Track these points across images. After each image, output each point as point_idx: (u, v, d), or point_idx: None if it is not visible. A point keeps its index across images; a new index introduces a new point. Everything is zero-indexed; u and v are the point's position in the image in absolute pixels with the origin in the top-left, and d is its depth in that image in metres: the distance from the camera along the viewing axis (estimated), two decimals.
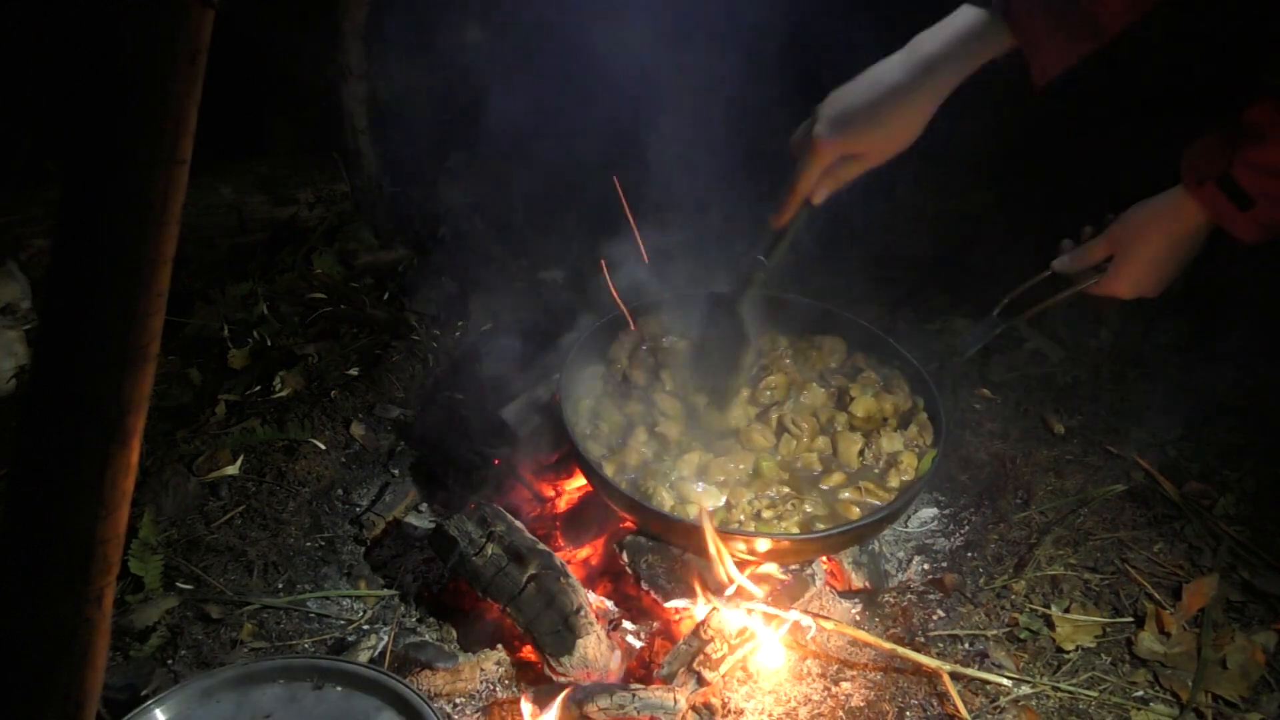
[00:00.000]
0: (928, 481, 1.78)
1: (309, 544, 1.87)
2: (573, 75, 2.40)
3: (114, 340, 0.84)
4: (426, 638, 1.71)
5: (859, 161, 1.58)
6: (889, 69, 1.50)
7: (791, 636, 1.66)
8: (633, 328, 1.90)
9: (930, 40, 1.48)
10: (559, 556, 1.70)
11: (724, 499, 1.72)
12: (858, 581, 1.84)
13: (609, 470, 1.73)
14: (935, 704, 1.59)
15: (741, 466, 1.78)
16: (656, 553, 1.70)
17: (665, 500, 1.67)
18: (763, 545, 1.63)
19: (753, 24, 2.33)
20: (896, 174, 2.66)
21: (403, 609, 1.77)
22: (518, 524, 1.75)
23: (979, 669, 1.63)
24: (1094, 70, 1.54)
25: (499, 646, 1.63)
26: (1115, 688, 1.63)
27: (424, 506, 2.00)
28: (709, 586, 1.66)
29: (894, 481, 1.78)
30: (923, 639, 1.70)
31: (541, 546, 1.71)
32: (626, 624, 1.72)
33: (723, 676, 1.56)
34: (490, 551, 1.68)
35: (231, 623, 1.69)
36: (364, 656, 1.64)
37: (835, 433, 1.85)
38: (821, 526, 1.69)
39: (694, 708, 1.55)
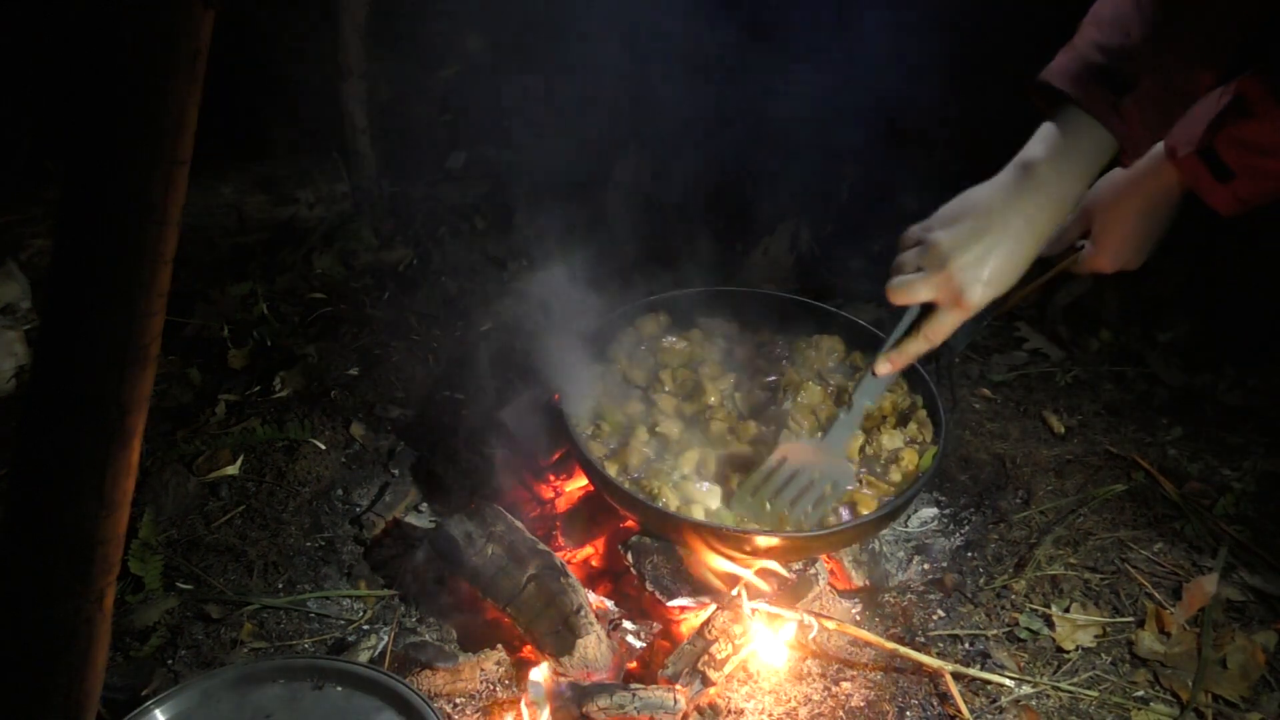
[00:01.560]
0: (929, 479, 1.78)
1: (309, 544, 1.87)
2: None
3: (114, 340, 0.84)
4: (426, 638, 1.71)
5: (956, 310, 1.45)
6: (1007, 202, 1.35)
7: (795, 637, 1.66)
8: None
9: (1040, 164, 1.34)
10: (559, 556, 1.70)
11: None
12: (858, 581, 1.84)
13: (611, 470, 1.73)
14: (935, 704, 1.59)
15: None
16: (661, 553, 1.70)
17: (671, 500, 1.67)
18: (764, 543, 1.63)
19: None
20: (895, 177, 2.68)
21: (403, 609, 1.77)
22: (518, 524, 1.75)
23: (980, 669, 1.63)
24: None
25: (499, 646, 1.63)
26: (1115, 687, 1.63)
27: (424, 506, 2.00)
28: (714, 586, 1.66)
29: (894, 478, 1.77)
30: (923, 639, 1.70)
31: (541, 546, 1.71)
32: (626, 624, 1.72)
33: (725, 677, 1.56)
34: (490, 551, 1.68)
35: (231, 623, 1.69)
36: (364, 656, 1.64)
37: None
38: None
39: (698, 708, 1.55)
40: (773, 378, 1.94)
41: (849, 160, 3.11)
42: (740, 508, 1.68)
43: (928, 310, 1.48)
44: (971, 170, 1.46)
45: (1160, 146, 1.55)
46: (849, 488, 1.70)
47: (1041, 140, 1.35)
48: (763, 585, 1.66)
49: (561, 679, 1.55)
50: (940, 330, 1.47)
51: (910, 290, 1.45)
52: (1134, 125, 1.29)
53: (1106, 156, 1.32)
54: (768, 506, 1.67)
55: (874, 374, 1.58)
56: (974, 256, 1.37)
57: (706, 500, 1.69)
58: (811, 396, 1.88)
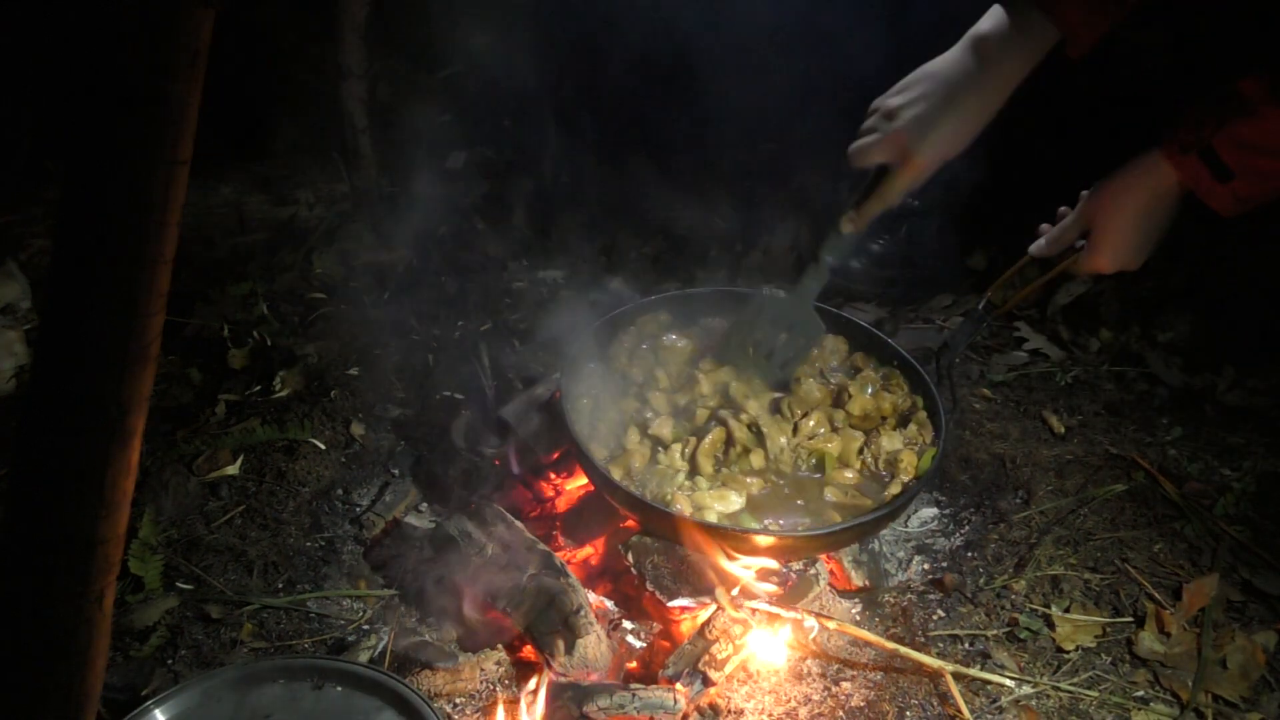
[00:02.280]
0: (928, 480, 1.78)
1: (309, 544, 1.87)
2: None
3: (114, 340, 0.84)
4: (426, 638, 1.71)
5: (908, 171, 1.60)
6: (955, 75, 1.51)
7: (795, 637, 1.66)
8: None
9: (988, 41, 1.50)
10: (559, 556, 1.70)
11: (740, 501, 1.71)
12: (858, 581, 1.84)
13: (611, 468, 1.73)
14: (935, 704, 1.59)
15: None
16: (662, 553, 1.70)
17: (684, 506, 1.66)
18: (765, 542, 1.63)
19: None
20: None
21: (403, 609, 1.76)
22: (518, 524, 1.75)
23: (980, 669, 1.63)
24: (1083, 68, 1.55)
25: (499, 646, 1.63)
26: (1115, 687, 1.63)
27: (424, 506, 2.00)
28: (716, 586, 1.66)
29: (894, 479, 1.77)
30: (923, 639, 1.70)
31: (541, 546, 1.71)
32: (626, 624, 1.72)
33: (725, 677, 1.56)
34: (490, 551, 1.68)
35: (231, 623, 1.69)
36: (364, 656, 1.64)
37: (836, 430, 1.85)
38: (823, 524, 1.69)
39: (698, 708, 1.55)
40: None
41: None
42: (725, 356, 1.87)
43: (885, 174, 1.61)
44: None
45: (1159, 148, 1.55)
46: (818, 339, 1.89)
47: (990, 19, 1.51)
48: (763, 590, 1.66)
49: (561, 679, 1.55)
50: (894, 189, 1.59)
51: (865, 152, 1.58)
52: (1072, 14, 1.44)
53: (1048, 42, 1.48)
54: (750, 352, 1.85)
55: (839, 232, 1.70)
56: (922, 117, 1.52)
57: (717, 504, 1.68)
58: (811, 394, 1.88)
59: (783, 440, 1.79)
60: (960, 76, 1.51)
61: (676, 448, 1.76)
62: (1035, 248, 1.69)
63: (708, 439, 1.75)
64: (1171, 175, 1.53)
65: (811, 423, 1.81)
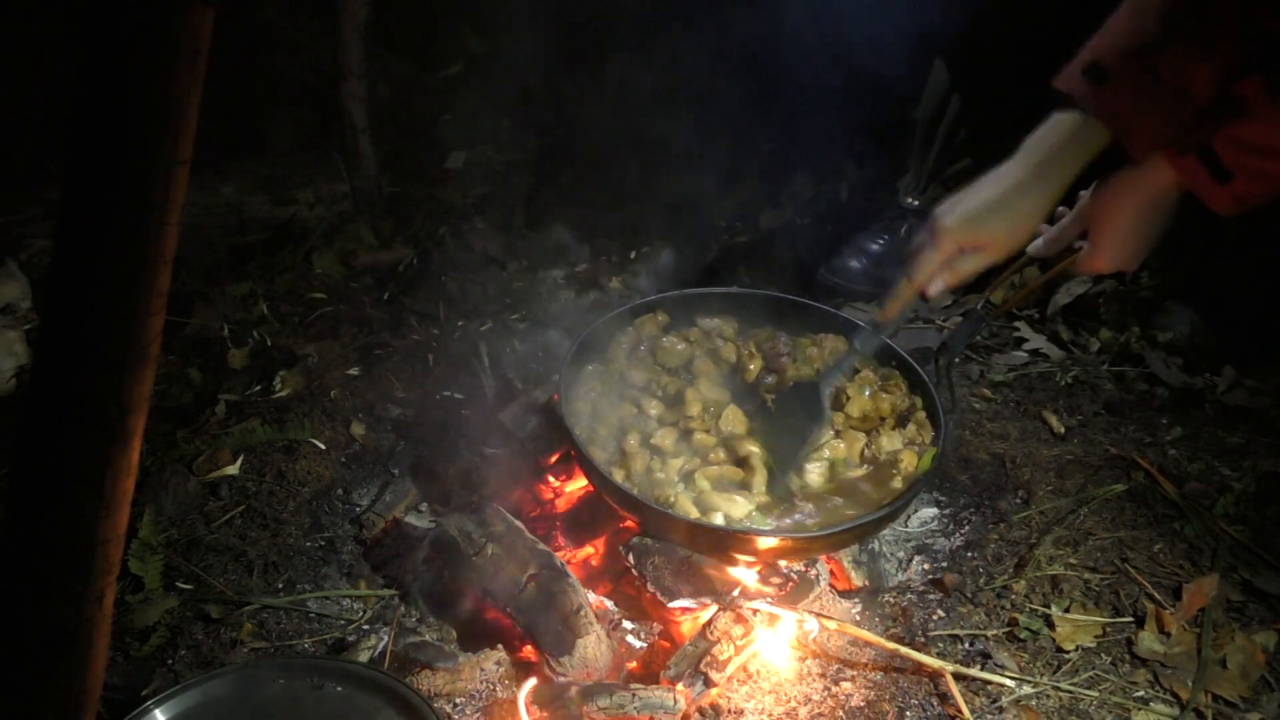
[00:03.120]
0: (928, 479, 1.78)
1: (309, 544, 1.87)
2: None
3: (114, 340, 0.84)
4: (426, 638, 1.71)
5: (980, 255, 1.63)
6: (1007, 172, 1.58)
7: (795, 637, 1.66)
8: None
9: (1040, 146, 1.55)
10: (559, 556, 1.70)
11: (749, 504, 1.71)
12: (858, 581, 1.84)
13: (610, 469, 1.73)
14: (935, 704, 1.59)
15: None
16: (662, 554, 1.70)
17: (690, 510, 1.66)
18: (765, 543, 1.63)
19: None
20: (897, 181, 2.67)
21: (403, 609, 1.77)
22: (518, 524, 1.75)
23: (980, 669, 1.63)
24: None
25: (499, 646, 1.63)
26: (1115, 687, 1.63)
27: (424, 506, 2.00)
28: (716, 587, 1.66)
29: (894, 480, 1.77)
30: (923, 639, 1.70)
31: (541, 546, 1.71)
32: (626, 624, 1.72)
33: (726, 678, 1.56)
34: (490, 551, 1.68)
35: (231, 623, 1.69)
36: (364, 656, 1.64)
37: (838, 435, 1.85)
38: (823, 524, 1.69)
39: (699, 709, 1.55)
40: (770, 377, 1.93)
41: (850, 160, 3.12)
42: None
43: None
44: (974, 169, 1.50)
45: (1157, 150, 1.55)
46: (823, 439, 1.81)
47: (1043, 125, 1.55)
48: (763, 591, 1.66)
49: (561, 678, 1.55)
50: (924, 269, 1.65)
51: (925, 268, 1.64)
52: (1119, 111, 1.47)
53: (1096, 141, 1.51)
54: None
55: (872, 326, 1.78)
56: (964, 207, 1.59)
57: (725, 507, 1.68)
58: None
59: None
60: (1006, 176, 1.56)
61: (675, 462, 1.75)
62: (1034, 248, 1.70)
63: (713, 470, 1.74)
64: (1170, 175, 1.53)
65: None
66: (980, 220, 1.59)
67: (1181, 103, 1.46)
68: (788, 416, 1.82)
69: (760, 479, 1.73)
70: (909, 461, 1.78)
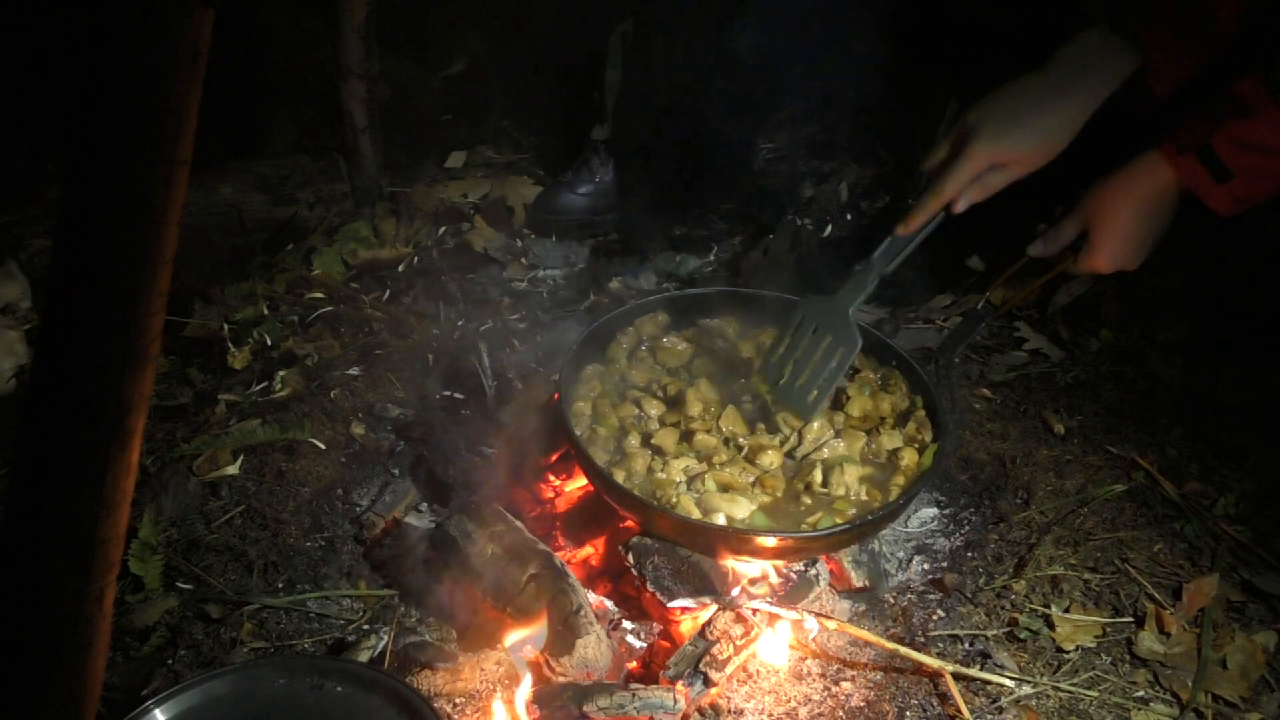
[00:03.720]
0: (928, 478, 1.78)
1: (309, 544, 1.87)
2: None
3: (114, 340, 0.84)
4: (426, 638, 1.71)
5: (1006, 170, 1.61)
6: (1036, 84, 1.56)
7: (795, 637, 1.66)
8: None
9: (1069, 61, 1.55)
10: (559, 556, 1.70)
11: (751, 505, 1.71)
12: (858, 581, 1.83)
13: (610, 469, 1.73)
14: (935, 704, 1.59)
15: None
16: (662, 554, 1.70)
17: (691, 510, 1.66)
18: (765, 543, 1.63)
19: None
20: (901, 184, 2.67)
21: (403, 609, 1.77)
22: (518, 524, 1.75)
23: (980, 669, 1.63)
24: None
25: (499, 646, 1.63)
26: (1115, 688, 1.63)
27: (424, 506, 2.00)
28: (717, 587, 1.66)
29: (895, 479, 1.77)
30: (923, 639, 1.70)
31: (541, 546, 1.71)
32: (626, 624, 1.72)
33: (726, 677, 1.56)
34: (490, 552, 1.68)
35: (231, 623, 1.69)
36: (364, 656, 1.64)
37: (839, 435, 1.85)
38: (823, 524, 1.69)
39: (699, 709, 1.55)
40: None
41: (850, 160, 3.12)
42: (760, 379, 1.82)
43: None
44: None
45: (1157, 148, 1.55)
46: (850, 358, 1.73)
47: (1074, 43, 1.55)
48: (764, 591, 1.66)
49: (560, 678, 1.55)
50: (947, 182, 1.60)
51: (931, 152, 1.65)
52: (1147, 33, 1.48)
53: (1125, 63, 1.52)
54: (786, 373, 1.77)
55: (892, 235, 1.69)
56: (986, 115, 1.56)
57: (726, 507, 1.68)
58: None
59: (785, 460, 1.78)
60: (1034, 88, 1.55)
61: (677, 463, 1.75)
62: (1034, 248, 1.70)
63: (720, 473, 1.73)
64: (1169, 175, 1.53)
65: (815, 428, 1.81)
66: (1009, 133, 1.56)
67: (1209, 36, 1.48)
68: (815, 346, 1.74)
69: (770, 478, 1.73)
70: (909, 460, 1.78)
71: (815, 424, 1.81)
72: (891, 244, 1.70)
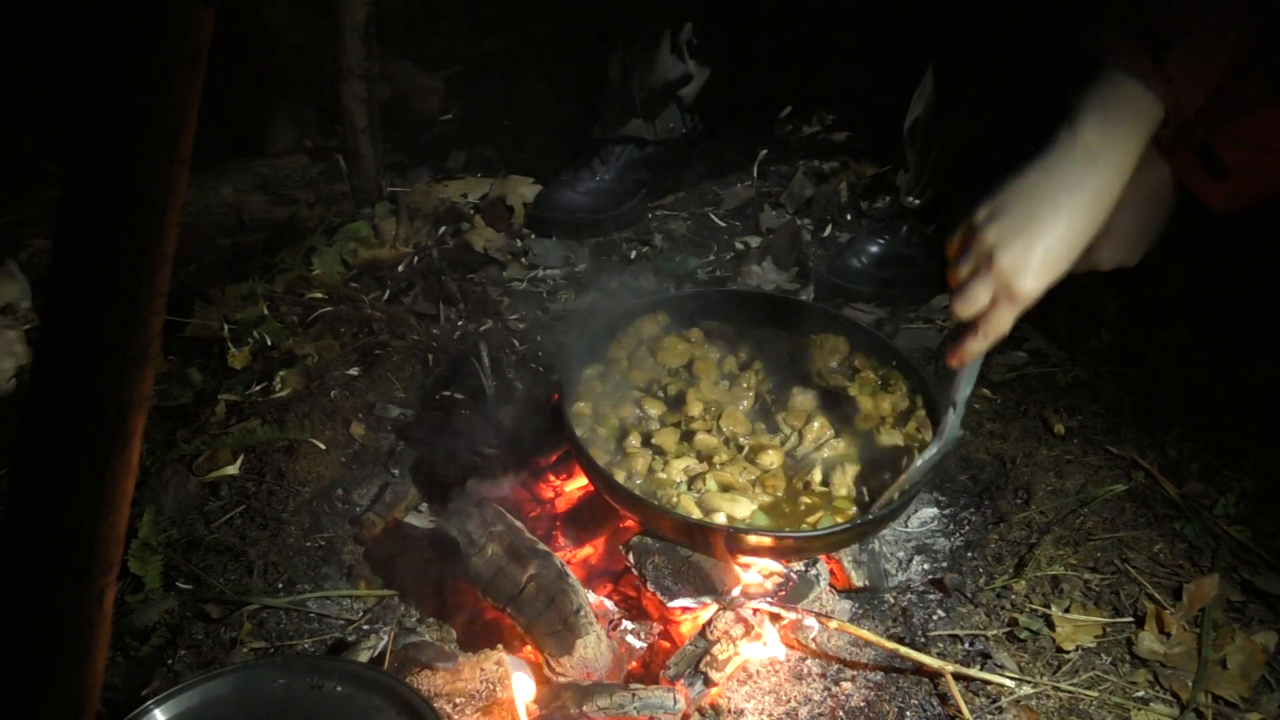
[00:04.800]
0: (927, 480, 1.78)
1: (309, 544, 1.87)
2: None
3: (114, 340, 0.84)
4: (426, 638, 1.71)
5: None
6: (1055, 182, 1.33)
7: (795, 637, 1.66)
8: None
9: (1085, 132, 1.33)
10: (559, 556, 1.70)
11: (751, 504, 1.71)
12: (858, 581, 1.83)
13: (611, 469, 1.73)
14: (935, 704, 1.59)
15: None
16: (662, 554, 1.70)
17: (692, 509, 1.66)
18: (765, 543, 1.63)
19: None
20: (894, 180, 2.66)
21: (403, 609, 1.77)
22: (518, 524, 1.75)
23: (980, 669, 1.63)
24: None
25: (499, 646, 1.63)
26: (1115, 688, 1.63)
27: (424, 506, 2.00)
28: (717, 587, 1.66)
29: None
30: (923, 639, 1.70)
31: (541, 546, 1.71)
32: (627, 624, 1.72)
33: (726, 677, 1.56)
34: (490, 552, 1.68)
35: (231, 623, 1.69)
36: (364, 656, 1.64)
37: (838, 436, 1.85)
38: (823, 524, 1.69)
39: (699, 709, 1.55)
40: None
41: (850, 159, 3.12)
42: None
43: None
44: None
45: (1155, 144, 1.55)
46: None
47: (1084, 109, 1.32)
48: (764, 591, 1.66)
49: (561, 678, 1.55)
50: (996, 326, 1.43)
51: (972, 301, 1.41)
52: (1177, 85, 1.29)
53: (1154, 120, 1.31)
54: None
55: (948, 366, 1.57)
56: (1022, 247, 1.34)
57: (727, 507, 1.67)
58: (805, 402, 1.87)
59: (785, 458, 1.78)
60: (1061, 184, 1.33)
61: (678, 463, 1.75)
62: None
63: (720, 473, 1.73)
64: (1166, 172, 1.52)
65: (816, 427, 1.81)
66: (1034, 258, 1.33)
67: (1212, 72, 1.34)
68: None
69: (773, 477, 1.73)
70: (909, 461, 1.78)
71: (815, 423, 1.82)
72: (959, 374, 1.58)
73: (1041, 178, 1.35)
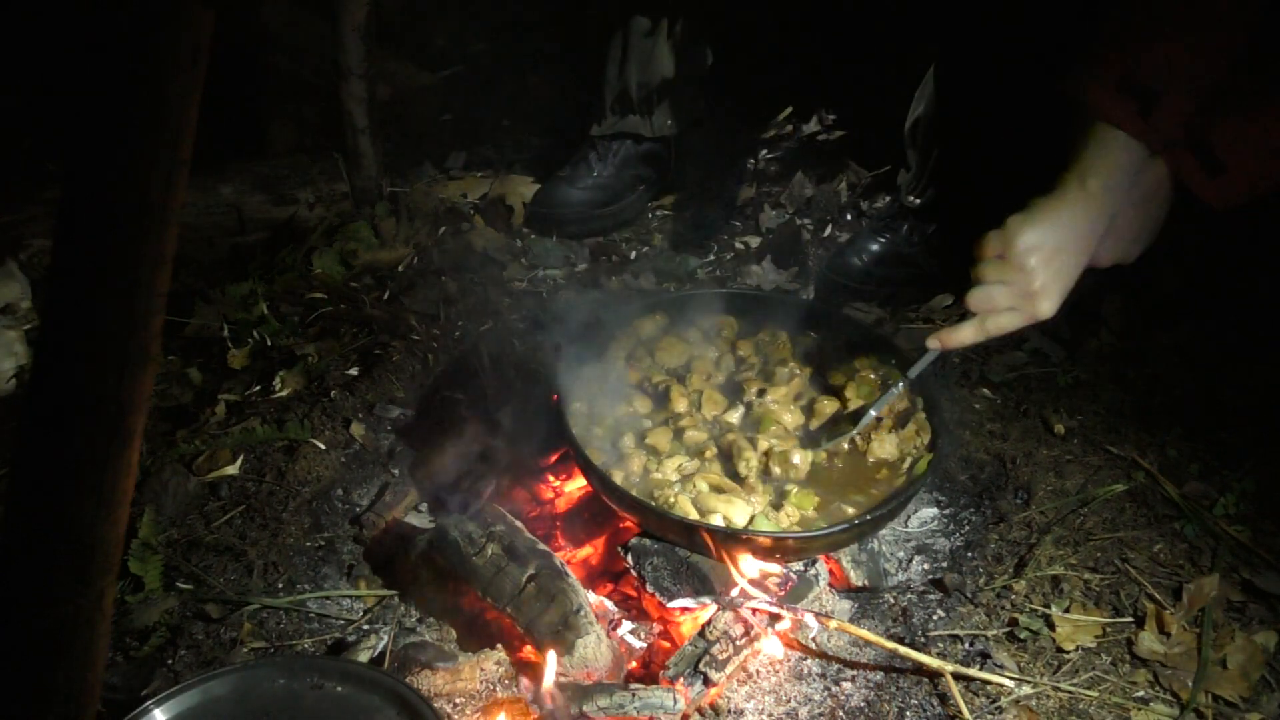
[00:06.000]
0: (927, 480, 1.78)
1: (309, 544, 1.87)
2: None
3: (114, 340, 0.84)
4: (426, 638, 1.71)
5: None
6: (1086, 227, 1.52)
7: (795, 637, 1.66)
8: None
9: (1104, 189, 1.50)
10: (559, 556, 1.70)
11: (748, 505, 1.71)
12: (857, 581, 1.84)
13: (608, 470, 1.73)
14: (935, 704, 1.59)
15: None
16: (662, 554, 1.70)
17: (689, 510, 1.66)
18: (764, 543, 1.63)
19: None
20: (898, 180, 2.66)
21: (403, 609, 1.77)
22: (518, 524, 1.75)
23: (980, 669, 1.63)
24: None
25: (499, 646, 1.63)
26: (1115, 688, 1.63)
27: (424, 506, 2.00)
28: (716, 588, 1.66)
29: (895, 480, 1.77)
30: (923, 639, 1.70)
31: (541, 546, 1.71)
32: (626, 624, 1.72)
33: (726, 677, 1.56)
34: (490, 551, 1.68)
35: (231, 623, 1.69)
36: (364, 656, 1.64)
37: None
38: (822, 524, 1.69)
39: (699, 709, 1.55)
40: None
41: (850, 159, 3.12)
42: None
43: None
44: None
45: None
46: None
47: (1089, 165, 1.50)
48: (764, 590, 1.66)
49: (561, 678, 1.55)
50: (1003, 328, 1.59)
51: (991, 300, 1.57)
52: (1165, 133, 1.45)
53: (1145, 156, 1.49)
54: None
55: (926, 347, 1.70)
56: (1054, 276, 1.53)
57: (723, 508, 1.67)
58: (782, 393, 1.87)
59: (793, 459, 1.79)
60: (1079, 225, 1.51)
61: (670, 462, 1.75)
62: None
63: (712, 476, 1.73)
64: (1164, 168, 1.53)
65: (782, 390, 1.82)
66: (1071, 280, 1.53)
67: (1194, 101, 1.46)
68: None
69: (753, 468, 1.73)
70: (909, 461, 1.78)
71: (781, 387, 1.83)
72: (924, 356, 1.74)
73: (1066, 217, 1.51)
